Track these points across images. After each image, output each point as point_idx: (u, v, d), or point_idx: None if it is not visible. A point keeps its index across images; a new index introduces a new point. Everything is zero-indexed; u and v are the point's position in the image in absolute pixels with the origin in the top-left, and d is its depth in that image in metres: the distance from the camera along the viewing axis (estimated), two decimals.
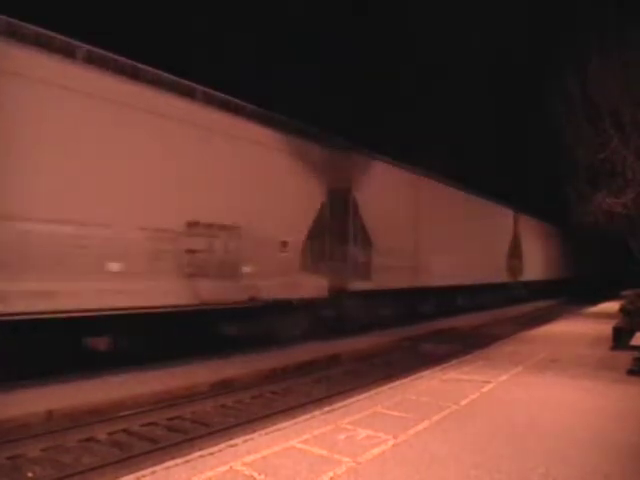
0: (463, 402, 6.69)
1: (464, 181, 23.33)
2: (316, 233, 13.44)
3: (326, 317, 14.15)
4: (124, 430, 6.81)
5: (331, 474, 4.26)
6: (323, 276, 13.58)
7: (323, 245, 13.71)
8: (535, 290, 33.66)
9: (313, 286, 13.18)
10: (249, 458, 4.61)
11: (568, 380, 8.13)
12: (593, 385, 7.79)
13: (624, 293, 15.32)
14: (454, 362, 9.95)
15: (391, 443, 5.05)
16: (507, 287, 28.37)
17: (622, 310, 12.96)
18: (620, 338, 11.18)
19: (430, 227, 19.69)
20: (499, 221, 27.98)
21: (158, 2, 22.81)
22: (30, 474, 5.47)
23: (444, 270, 20.06)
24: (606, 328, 13.15)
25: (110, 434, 6.63)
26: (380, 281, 15.97)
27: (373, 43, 34.82)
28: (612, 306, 20.29)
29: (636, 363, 8.73)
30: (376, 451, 4.82)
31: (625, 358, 9.38)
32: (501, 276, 27.58)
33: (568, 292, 38.49)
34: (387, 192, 17.04)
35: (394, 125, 30.09)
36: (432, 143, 29.85)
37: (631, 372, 8.61)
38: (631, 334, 9.83)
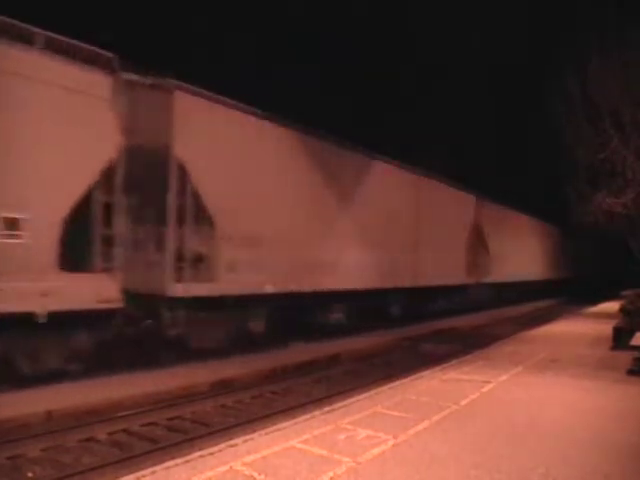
0: (463, 402, 6.69)
1: (464, 181, 23.13)
2: (94, 208, 8.64)
3: (132, 338, 9.66)
4: (124, 430, 6.80)
5: (331, 474, 4.26)
6: (112, 275, 8.75)
7: (110, 227, 8.85)
8: (515, 293, 29.19)
9: (89, 291, 8.39)
10: (249, 458, 4.61)
11: (568, 380, 8.13)
12: (593, 385, 7.79)
13: (624, 293, 15.32)
14: (454, 362, 9.95)
15: (391, 443, 5.05)
16: (466, 290, 22.80)
17: (622, 310, 12.96)
18: (620, 338, 11.18)
19: (340, 211, 14.42)
20: (452, 208, 21.58)
21: (158, 2, 22.83)
22: (30, 474, 5.47)
23: (367, 268, 15.26)
24: (606, 328, 13.15)
25: (110, 434, 6.63)
26: (236, 282, 10.89)
27: (373, 43, 34.86)
28: (612, 306, 20.28)
29: (636, 363, 8.73)
30: (376, 451, 4.82)
31: (625, 358, 9.38)
32: (457, 277, 21.82)
33: (560, 294, 35.73)
34: (252, 157, 11.58)
35: (394, 125, 30.10)
36: (432, 143, 29.87)
37: (631, 372, 8.62)
38: (631, 334, 9.84)
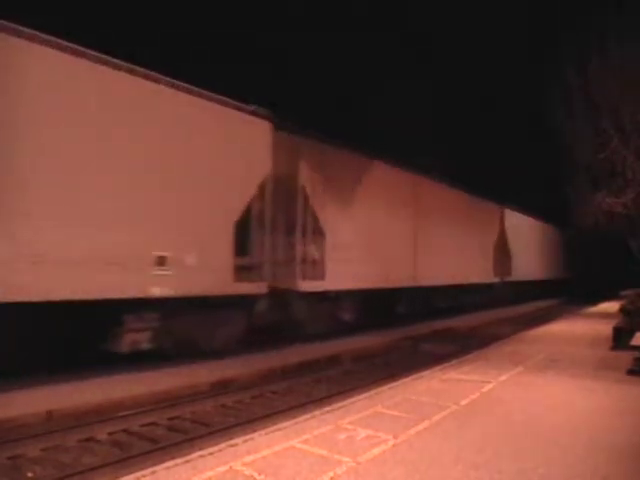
0: (463, 402, 6.69)
1: (464, 181, 22.95)
2: None
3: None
4: (124, 430, 6.80)
5: (331, 474, 4.26)
6: None
7: None
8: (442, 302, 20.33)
9: None
10: (249, 458, 4.61)
11: (568, 380, 8.13)
12: (593, 385, 7.78)
13: (624, 293, 15.33)
14: (454, 362, 9.94)
15: (391, 443, 5.04)
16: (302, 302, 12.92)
17: (622, 310, 12.97)
18: (620, 338, 11.18)
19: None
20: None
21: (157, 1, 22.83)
22: (30, 474, 5.46)
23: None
24: (606, 328, 13.15)
25: (110, 434, 6.62)
26: None
27: (373, 42, 34.87)
28: (612, 306, 20.28)
29: (636, 363, 8.73)
30: (376, 451, 4.81)
31: (625, 358, 9.38)
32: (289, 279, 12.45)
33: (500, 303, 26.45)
34: None
35: (394, 125, 30.07)
36: (432, 143, 29.85)
37: (631, 372, 8.61)
38: (631, 334, 9.84)
